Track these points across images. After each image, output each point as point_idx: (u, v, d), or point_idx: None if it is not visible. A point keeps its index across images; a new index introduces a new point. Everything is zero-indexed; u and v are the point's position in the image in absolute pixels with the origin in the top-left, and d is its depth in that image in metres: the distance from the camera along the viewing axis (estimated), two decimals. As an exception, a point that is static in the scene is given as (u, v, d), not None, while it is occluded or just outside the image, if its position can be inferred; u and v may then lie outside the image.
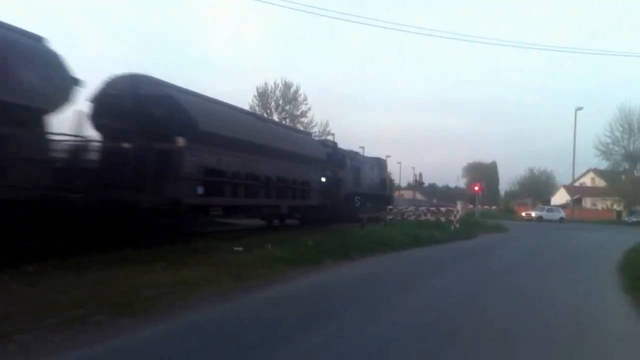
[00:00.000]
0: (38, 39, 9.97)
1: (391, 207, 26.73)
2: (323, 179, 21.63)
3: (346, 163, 25.21)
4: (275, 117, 45.59)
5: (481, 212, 48.41)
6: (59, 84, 10.05)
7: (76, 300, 6.58)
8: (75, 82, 10.44)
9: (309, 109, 49.46)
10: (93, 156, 11.78)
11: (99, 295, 6.94)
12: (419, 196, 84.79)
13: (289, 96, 48.93)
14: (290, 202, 18.27)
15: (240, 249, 12.19)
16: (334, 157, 23.49)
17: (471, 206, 52.73)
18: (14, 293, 6.82)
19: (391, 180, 35.90)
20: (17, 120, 9.01)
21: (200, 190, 13.04)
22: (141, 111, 12.25)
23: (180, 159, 12.16)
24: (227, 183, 14.39)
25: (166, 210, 12.24)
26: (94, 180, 11.07)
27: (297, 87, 49.06)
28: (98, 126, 12.52)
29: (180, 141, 11.88)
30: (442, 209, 30.04)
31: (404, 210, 29.71)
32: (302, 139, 21.28)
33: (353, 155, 28.04)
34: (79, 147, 11.04)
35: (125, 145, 11.95)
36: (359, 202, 25.57)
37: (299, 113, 49.18)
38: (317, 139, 27.04)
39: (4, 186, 8.78)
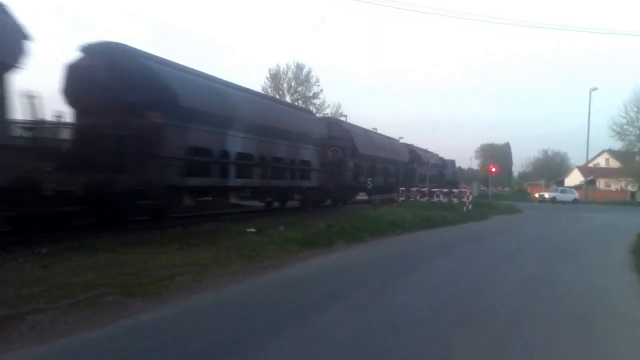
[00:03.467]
0: None
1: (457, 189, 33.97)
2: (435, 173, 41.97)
3: (446, 165, 45.68)
4: (288, 99, 45.59)
5: (494, 194, 48.19)
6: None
7: (89, 281, 6.63)
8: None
9: (321, 90, 49.41)
10: None
11: (111, 276, 6.99)
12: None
13: (301, 78, 48.79)
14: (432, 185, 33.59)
15: (252, 230, 12.22)
16: (440, 161, 44.30)
17: (484, 187, 52.46)
18: (28, 274, 6.89)
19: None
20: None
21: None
22: None
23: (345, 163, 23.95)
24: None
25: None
26: None
27: (309, 68, 48.95)
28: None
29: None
30: (455, 190, 29.75)
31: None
32: (433, 156, 42.61)
33: (444, 159, 46.39)
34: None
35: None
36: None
37: (311, 94, 49.13)
38: (433, 152, 45.06)
39: None
